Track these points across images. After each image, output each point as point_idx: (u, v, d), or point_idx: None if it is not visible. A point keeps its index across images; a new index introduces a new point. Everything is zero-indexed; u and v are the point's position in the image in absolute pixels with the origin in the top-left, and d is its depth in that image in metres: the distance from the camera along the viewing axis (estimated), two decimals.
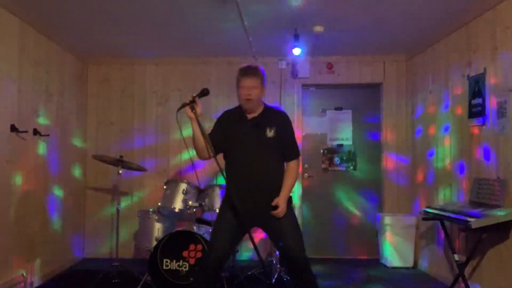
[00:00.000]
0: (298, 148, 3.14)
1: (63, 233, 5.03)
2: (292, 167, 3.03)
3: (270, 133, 2.95)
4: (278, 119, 3.03)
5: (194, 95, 2.84)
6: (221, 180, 5.11)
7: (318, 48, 5.15)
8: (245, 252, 5.38)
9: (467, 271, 3.82)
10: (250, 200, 2.89)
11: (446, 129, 4.50)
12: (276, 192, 2.94)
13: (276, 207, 2.89)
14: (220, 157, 3.03)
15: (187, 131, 3.27)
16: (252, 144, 2.95)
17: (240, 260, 5.15)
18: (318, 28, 4.45)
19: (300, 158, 3.17)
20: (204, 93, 2.88)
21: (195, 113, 2.82)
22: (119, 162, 4.46)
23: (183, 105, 2.83)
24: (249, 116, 3.01)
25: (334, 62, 5.65)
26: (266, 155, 2.95)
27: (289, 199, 2.99)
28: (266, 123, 2.98)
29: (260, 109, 3.03)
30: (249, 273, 4.48)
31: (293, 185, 3.02)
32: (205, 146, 2.88)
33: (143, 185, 5.62)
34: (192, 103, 2.81)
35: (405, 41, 4.95)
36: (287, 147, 3.03)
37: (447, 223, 4.01)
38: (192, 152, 3.16)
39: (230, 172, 2.99)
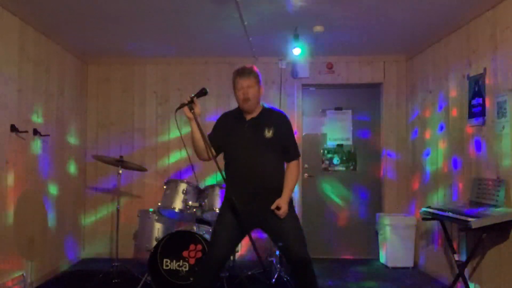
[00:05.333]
0: (298, 148, 3.13)
1: (63, 233, 5.03)
2: (292, 168, 3.02)
3: (268, 133, 2.93)
4: (277, 119, 3.02)
5: (192, 95, 2.84)
6: (221, 180, 5.10)
7: (318, 48, 5.15)
8: (245, 252, 5.38)
9: (467, 271, 3.82)
10: (251, 201, 2.89)
11: (446, 129, 4.50)
12: (277, 192, 2.93)
13: (278, 208, 2.88)
14: (220, 157, 3.04)
15: (185, 130, 3.28)
16: (251, 144, 2.93)
17: (240, 260, 5.14)
18: (318, 28, 4.45)
19: (300, 159, 3.16)
20: (203, 92, 2.88)
21: (193, 113, 2.82)
22: (119, 162, 4.46)
23: (182, 105, 2.84)
24: (248, 117, 3.01)
25: (334, 62, 5.65)
26: (265, 156, 2.94)
27: (290, 200, 2.97)
28: (264, 123, 2.97)
29: (258, 110, 3.02)
30: (249, 273, 4.48)
31: (294, 186, 3.00)
32: (205, 146, 2.88)
33: (143, 185, 5.63)
34: (190, 103, 2.82)
35: (405, 41, 4.95)
36: (286, 147, 3.02)
37: (447, 223, 4.01)
38: (190, 152, 3.15)
39: (230, 173, 2.98)
